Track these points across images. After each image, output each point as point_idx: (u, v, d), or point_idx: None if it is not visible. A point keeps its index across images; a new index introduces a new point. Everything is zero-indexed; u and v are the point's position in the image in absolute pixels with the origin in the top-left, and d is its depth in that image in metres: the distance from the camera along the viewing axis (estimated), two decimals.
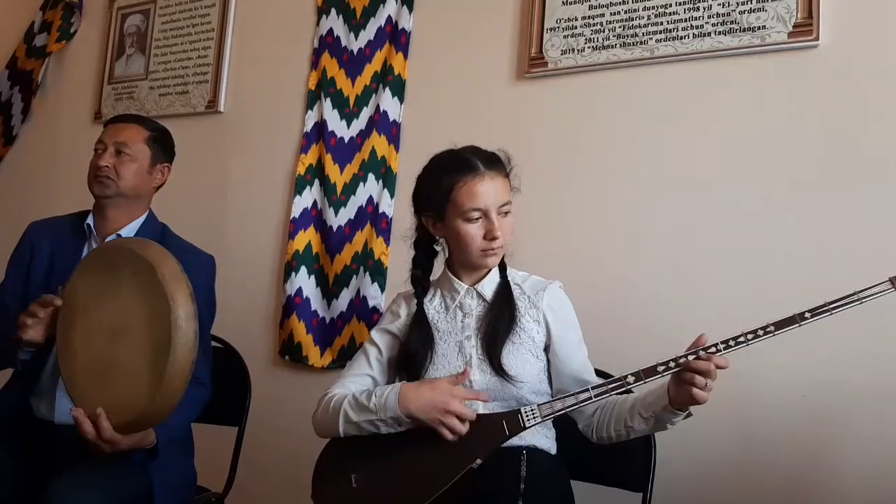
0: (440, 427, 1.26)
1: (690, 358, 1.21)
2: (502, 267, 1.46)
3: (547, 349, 1.43)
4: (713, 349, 1.21)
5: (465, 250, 1.40)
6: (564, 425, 1.43)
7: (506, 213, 1.38)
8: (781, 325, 1.20)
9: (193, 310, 1.31)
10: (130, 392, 1.30)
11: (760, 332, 1.20)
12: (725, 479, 1.69)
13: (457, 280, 1.45)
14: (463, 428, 1.26)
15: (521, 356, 1.38)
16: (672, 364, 1.22)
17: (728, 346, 1.21)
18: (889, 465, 1.54)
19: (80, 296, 1.42)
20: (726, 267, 1.74)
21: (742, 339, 1.20)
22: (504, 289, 1.44)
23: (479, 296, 1.44)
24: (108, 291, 1.38)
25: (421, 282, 1.49)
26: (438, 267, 1.53)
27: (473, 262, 1.42)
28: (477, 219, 1.36)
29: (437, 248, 1.51)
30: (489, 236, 1.36)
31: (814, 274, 1.63)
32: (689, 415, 1.28)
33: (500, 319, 1.39)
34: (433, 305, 1.47)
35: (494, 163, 1.38)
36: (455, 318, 1.44)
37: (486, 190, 1.34)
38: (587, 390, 1.27)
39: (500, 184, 1.37)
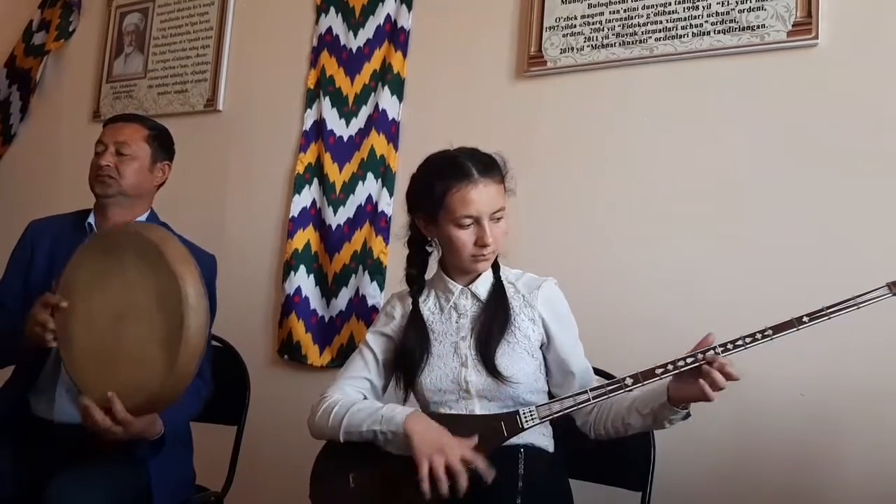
0: (423, 462, 1.20)
1: (699, 357, 1.19)
2: (495, 266, 1.46)
3: (542, 347, 1.43)
4: (711, 352, 1.20)
5: (455, 255, 1.39)
6: (563, 424, 1.42)
7: (498, 218, 1.37)
8: (779, 328, 1.19)
9: (203, 289, 1.28)
10: (142, 374, 1.27)
11: (759, 336, 1.19)
12: (724, 477, 1.69)
13: (451, 280, 1.45)
14: (444, 480, 1.19)
15: (517, 356, 1.37)
16: (670, 367, 1.22)
17: (726, 350, 1.20)
18: (888, 464, 1.54)
19: (80, 283, 1.38)
20: (725, 266, 1.74)
21: (740, 342, 1.20)
22: (498, 288, 1.43)
23: (474, 296, 1.44)
24: (111, 275, 1.34)
25: (416, 280, 1.48)
26: (432, 265, 1.52)
27: (464, 267, 1.42)
28: (469, 225, 1.35)
29: (430, 249, 1.49)
30: (480, 243, 1.35)
31: (813, 273, 1.63)
32: (689, 415, 1.28)
33: (494, 320, 1.39)
34: (427, 306, 1.47)
35: (489, 169, 1.36)
36: (450, 318, 1.44)
37: (479, 197, 1.33)
38: (585, 392, 1.27)
39: (493, 190, 1.35)
